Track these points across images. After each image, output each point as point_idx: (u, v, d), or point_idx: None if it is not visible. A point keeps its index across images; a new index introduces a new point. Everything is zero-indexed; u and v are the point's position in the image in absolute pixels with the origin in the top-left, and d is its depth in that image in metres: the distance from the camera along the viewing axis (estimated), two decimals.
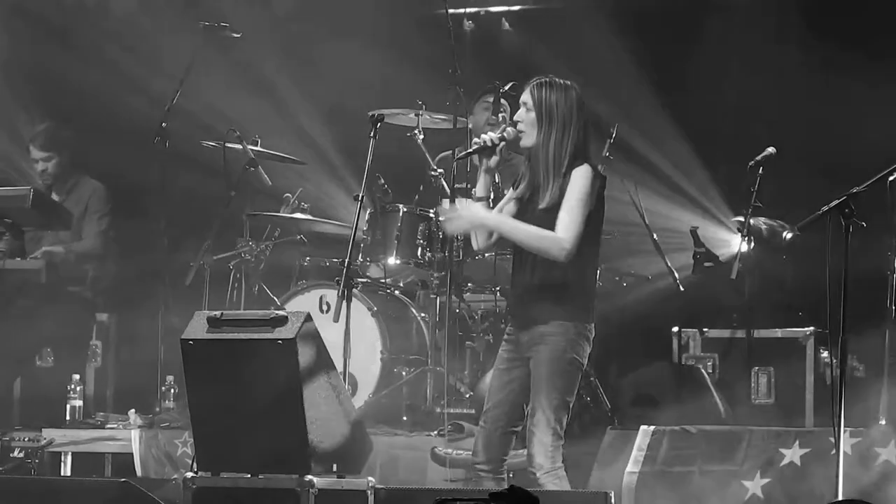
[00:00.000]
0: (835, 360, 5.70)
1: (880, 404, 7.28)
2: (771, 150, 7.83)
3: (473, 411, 7.71)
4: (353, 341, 7.32)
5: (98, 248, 8.77)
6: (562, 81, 6.04)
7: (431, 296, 8.39)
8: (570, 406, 5.97)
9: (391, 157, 8.29)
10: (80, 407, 8.43)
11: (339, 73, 9.80)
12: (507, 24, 8.72)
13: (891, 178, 6.19)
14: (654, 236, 8.43)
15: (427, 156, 8.58)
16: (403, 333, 8.41)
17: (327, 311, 8.02)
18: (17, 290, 8.30)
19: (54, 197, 8.75)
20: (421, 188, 8.65)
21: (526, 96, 6.04)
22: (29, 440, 8.09)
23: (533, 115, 6.00)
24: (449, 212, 6.11)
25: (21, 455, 8.08)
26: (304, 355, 5.89)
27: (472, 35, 9.87)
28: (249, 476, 6.02)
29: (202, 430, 6.07)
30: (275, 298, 8.47)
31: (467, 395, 8.04)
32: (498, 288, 8.22)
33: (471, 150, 6.17)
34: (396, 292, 8.60)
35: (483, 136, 6.09)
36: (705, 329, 8.13)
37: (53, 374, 8.66)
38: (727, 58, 9.31)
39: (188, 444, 7.65)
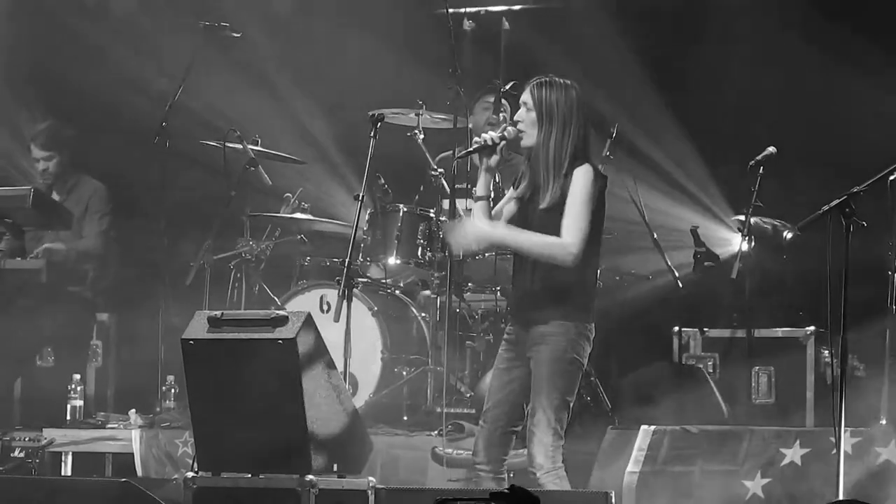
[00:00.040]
0: (835, 360, 5.70)
1: (881, 403, 7.28)
2: (771, 149, 7.84)
3: (474, 411, 7.71)
4: (353, 341, 7.32)
5: (99, 248, 8.77)
6: (562, 81, 6.04)
7: (432, 295, 8.39)
8: (571, 406, 5.96)
9: (391, 157, 8.29)
10: (80, 407, 8.43)
11: (340, 73, 9.80)
12: (507, 23, 8.70)
13: (891, 178, 6.19)
14: (654, 235, 8.43)
15: (427, 155, 8.58)
16: (404, 333, 8.41)
17: (328, 311, 8.02)
18: (17, 289, 8.30)
19: (55, 196, 8.74)
20: (421, 188, 8.65)
21: (526, 96, 6.04)
22: (29, 440, 8.09)
23: (533, 114, 6.00)
24: (453, 230, 6.10)
25: (21, 455, 8.08)
26: (305, 355, 5.89)
27: (472, 34, 9.85)
28: (250, 476, 6.02)
29: (203, 430, 6.07)
30: (275, 298, 8.47)
31: (468, 395, 8.04)
32: (498, 288, 8.22)
33: (471, 149, 6.17)
34: (397, 292, 8.60)
35: (483, 135, 6.08)
36: (706, 328, 8.13)
37: (54, 374, 8.65)
38: (728, 57, 9.30)
39: (189, 444, 7.65)
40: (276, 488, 5.91)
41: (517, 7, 9.97)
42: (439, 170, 8.50)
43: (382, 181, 8.41)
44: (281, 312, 6.06)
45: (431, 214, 8.35)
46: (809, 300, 8.04)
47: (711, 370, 8.04)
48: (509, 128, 6.06)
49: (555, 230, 5.94)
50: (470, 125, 8.44)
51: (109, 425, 8.29)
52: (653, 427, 7.01)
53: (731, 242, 8.38)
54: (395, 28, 9.76)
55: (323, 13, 9.77)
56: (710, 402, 7.65)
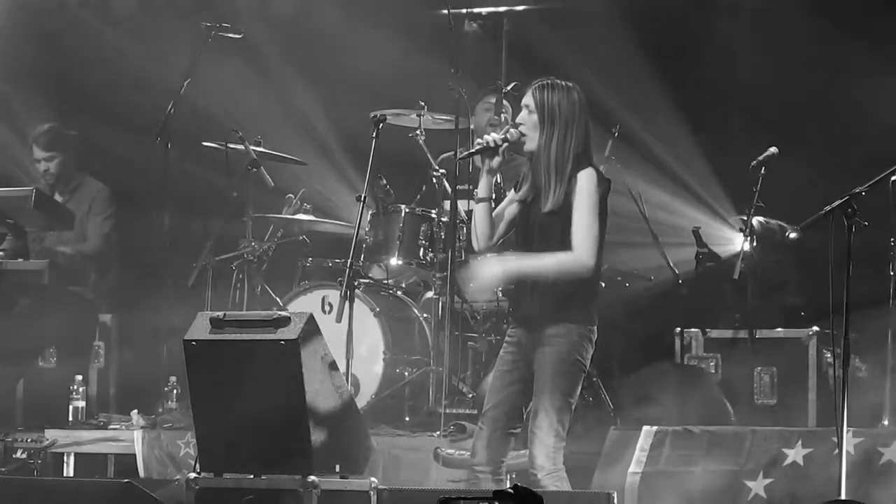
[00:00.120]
0: (837, 360, 5.70)
1: (883, 404, 7.28)
2: (773, 149, 7.83)
3: (476, 412, 7.70)
4: (355, 342, 7.32)
5: (102, 251, 8.76)
6: (564, 83, 6.04)
7: (433, 296, 8.39)
8: (573, 407, 5.97)
9: (393, 158, 8.29)
10: (82, 408, 8.43)
11: (341, 74, 9.80)
12: (508, 24, 8.70)
13: (893, 178, 6.20)
14: (654, 232, 8.43)
15: (429, 156, 8.58)
16: (406, 334, 8.41)
17: (330, 312, 8.01)
18: (19, 290, 8.30)
19: (57, 197, 8.74)
20: (423, 189, 8.65)
21: (528, 99, 6.04)
22: (31, 441, 8.09)
23: (535, 117, 6.00)
24: (467, 279, 6.08)
25: (24, 456, 8.07)
26: (307, 356, 5.89)
27: (473, 35, 9.85)
28: (252, 477, 6.02)
29: (205, 431, 6.08)
30: (277, 299, 8.47)
31: (469, 396, 8.04)
32: (500, 288, 8.22)
33: (473, 150, 6.17)
34: (399, 293, 8.60)
35: (486, 136, 6.09)
36: (708, 329, 8.13)
37: (56, 375, 8.65)
38: (731, 57, 9.30)
39: (191, 445, 7.65)
40: (278, 489, 5.91)
41: (519, 7, 9.97)
42: (441, 170, 8.50)
43: (384, 182, 8.41)
44: (283, 313, 6.06)
45: (433, 215, 8.36)
46: (811, 300, 8.04)
47: (714, 370, 8.03)
48: (511, 130, 6.06)
49: (557, 233, 5.94)
50: (471, 126, 8.44)
51: (111, 426, 8.29)
52: (655, 427, 7.01)
53: (734, 242, 8.37)
54: (396, 29, 9.75)
55: (324, 14, 9.77)
56: (713, 403, 7.64)
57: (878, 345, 7.40)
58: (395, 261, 8.38)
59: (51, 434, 8.11)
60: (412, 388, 8.25)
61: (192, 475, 6.02)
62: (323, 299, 8.26)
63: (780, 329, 7.97)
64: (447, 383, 7.82)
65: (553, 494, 5.70)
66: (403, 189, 8.65)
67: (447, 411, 7.66)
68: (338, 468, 6.00)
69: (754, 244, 7.87)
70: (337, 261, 8.62)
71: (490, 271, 6.01)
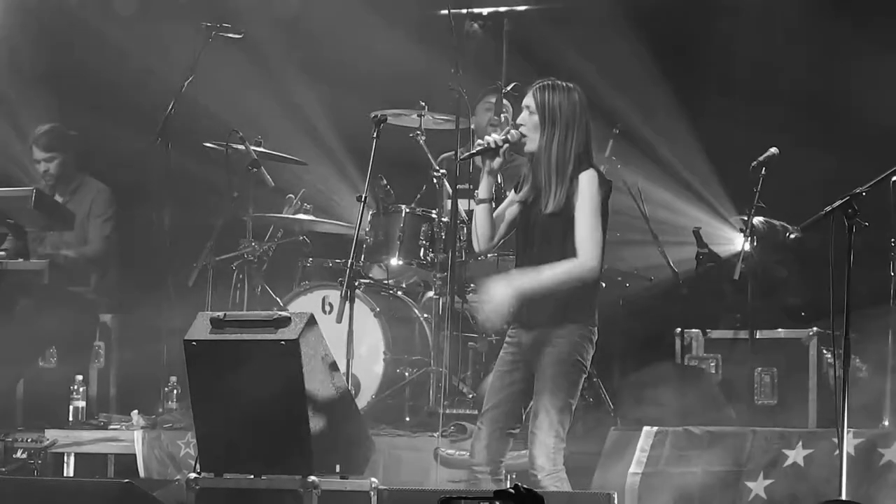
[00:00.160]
0: (838, 361, 5.70)
1: (884, 405, 7.28)
2: (773, 150, 7.83)
3: (476, 412, 7.70)
4: (355, 342, 7.32)
5: (104, 253, 8.75)
6: (564, 84, 6.04)
7: (434, 296, 8.39)
8: (573, 408, 5.97)
9: (394, 158, 8.29)
10: (82, 408, 8.43)
11: (342, 74, 9.79)
12: (509, 24, 8.70)
13: (893, 179, 6.19)
14: (654, 232, 8.44)
15: (429, 156, 8.58)
16: (406, 334, 8.40)
17: (330, 312, 8.01)
18: (20, 290, 8.30)
19: (57, 198, 8.74)
20: (423, 188, 8.65)
21: (529, 100, 6.04)
22: (32, 441, 8.09)
23: (536, 118, 6.00)
24: (481, 309, 6.02)
25: (24, 456, 8.08)
26: (307, 356, 5.89)
27: (474, 35, 9.85)
28: (252, 477, 6.02)
29: (205, 431, 6.08)
30: (277, 299, 8.47)
31: (470, 396, 8.04)
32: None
33: (474, 151, 6.17)
34: (399, 293, 8.60)
35: (486, 137, 6.09)
36: (708, 329, 8.13)
37: (56, 375, 8.65)
38: (732, 56, 9.30)
39: (191, 445, 7.65)
40: (278, 489, 5.92)
41: (520, 7, 9.97)
42: (441, 170, 8.49)
43: (385, 182, 8.41)
44: (283, 313, 6.06)
45: (433, 215, 8.36)
46: (812, 301, 8.03)
47: (714, 371, 8.03)
48: (512, 131, 6.06)
49: (558, 234, 5.94)
50: (472, 126, 8.44)
51: (112, 426, 8.29)
52: (655, 428, 7.01)
53: (734, 242, 8.37)
54: (397, 29, 9.75)
55: (325, 14, 9.77)
56: (712, 403, 7.64)
57: (878, 345, 7.40)
58: (395, 261, 8.38)
59: (51, 434, 8.12)
60: (412, 388, 8.25)
61: (193, 475, 6.02)
62: (323, 299, 8.26)
63: (780, 329, 7.96)
64: (447, 383, 7.82)
65: (553, 495, 5.70)
66: (404, 189, 8.65)
67: (447, 411, 7.65)
68: (338, 468, 6.00)
69: (755, 244, 7.86)
70: (337, 261, 8.63)
71: (500, 294, 5.94)
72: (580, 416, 7.51)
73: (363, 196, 7.46)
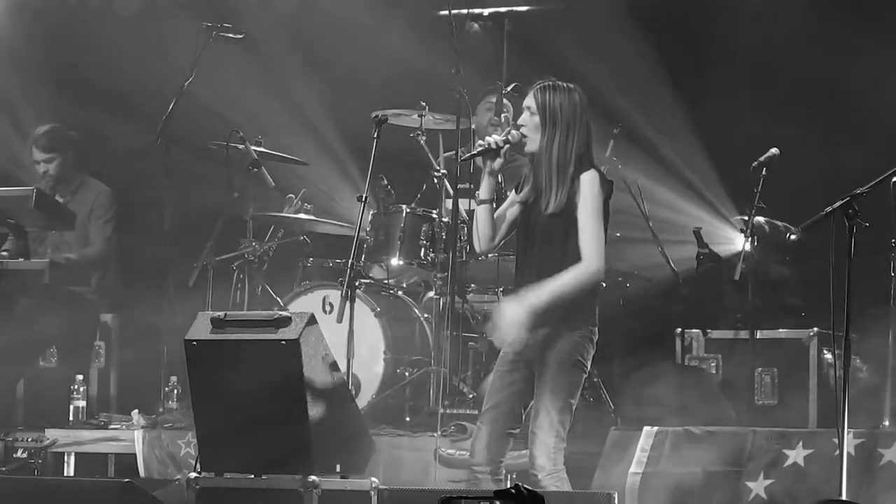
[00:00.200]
0: (838, 361, 5.70)
1: (884, 405, 7.28)
2: (774, 150, 7.83)
3: (476, 412, 7.70)
4: (356, 342, 7.31)
5: (106, 255, 8.74)
6: (565, 85, 6.04)
7: (434, 296, 8.39)
8: (574, 408, 5.97)
9: (394, 158, 8.30)
10: (83, 407, 8.43)
11: (342, 74, 9.80)
12: (510, 24, 8.71)
13: (894, 179, 6.18)
14: (654, 231, 8.44)
15: (430, 156, 8.58)
16: (406, 334, 8.41)
17: (330, 312, 8.01)
18: (20, 290, 8.30)
19: (58, 199, 8.73)
20: (424, 188, 8.65)
21: (529, 100, 6.04)
22: (32, 440, 8.09)
23: (537, 118, 6.00)
24: (495, 331, 5.98)
25: (24, 455, 8.07)
26: (308, 356, 5.90)
27: (475, 36, 9.86)
28: (253, 476, 6.02)
29: (205, 431, 6.08)
30: (278, 299, 8.47)
31: (470, 396, 8.04)
32: (501, 289, 8.23)
33: (474, 152, 6.17)
34: (399, 293, 8.60)
35: (487, 138, 6.08)
36: (708, 330, 8.13)
37: (57, 375, 8.65)
38: (733, 56, 9.30)
39: (191, 445, 7.65)
40: (278, 489, 5.92)
41: (521, 8, 9.97)
42: (442, 170, 8.49)
43: (385, 182, 8.41)
44: (284, 313, 6.06)
45: (434, 215, 8.36)
46: (812, 301, 8.04)
47: (714, 371, 8.03)
48: (513, 131, 6.05)
49: (559, 235, 5.94)
50: (472, 126, 8.44)
51: (112, 426, 8.29)
52: (655, 428, 7.01)
53: (735, 242, 8.37)
54: (397, 29, 9.75)
55: (325, 14, 9.77)
56: (713, 403, 7.64)
57: (878, 346, 7.40)
58: (395, 261, 8.38)
59: (51, 434, 8.12)
60: (413, 388, 8.24)
61: (193, 475, 6.02)
62: (324, 299, 8.26)
63: (780, 330, 7.96)
64: (448, 383, 7.82)
65: (553, 495, 5.70)
66: (405, 189, 8.65)
67: (448, 411, 7.65)
68: (338, 468, 6.00)
69: (755, 245, 7.87)
70: (338, 261, 8.63)
71: (513, 315, 5.91)
72: (580, 416, 7.49)
73: (364, 196, 7.47)
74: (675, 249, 8.59)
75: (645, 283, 8.78)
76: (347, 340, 7.23)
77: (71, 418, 8.37)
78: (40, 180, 8.80)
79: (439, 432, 7.36)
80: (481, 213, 6.11)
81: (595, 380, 7.90)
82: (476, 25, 9.94)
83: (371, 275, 8.57)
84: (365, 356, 7.94)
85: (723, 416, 7.60)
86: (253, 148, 8.55)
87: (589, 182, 5.93)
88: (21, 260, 8.24)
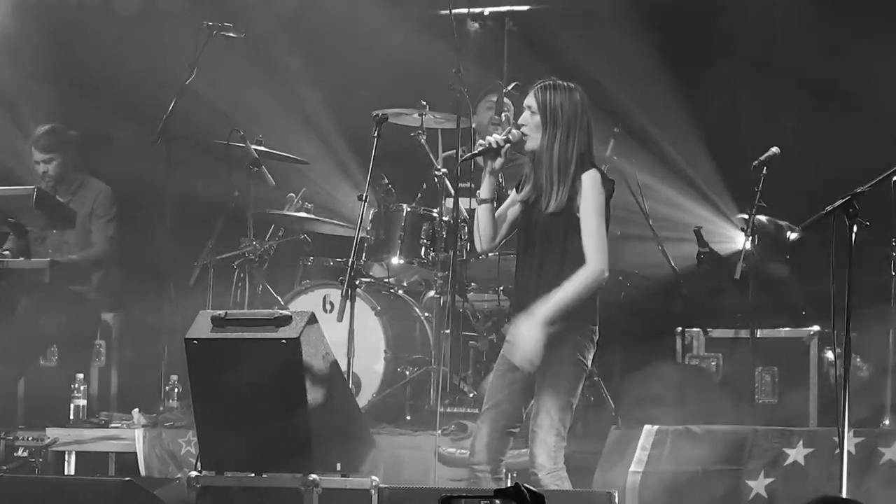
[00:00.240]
0: (839, 360, 5.70)
1: (884, 403, 7.28)
2: (774, 149, 7.83)
3: (477, 411, 7.70)
4: (356, 341, 7.31)
5: (108, 255, 8.73)
6: (566, 84, 6.04)
7: (435, 295, 8.39)
8: (574, 407, 5.97)
9: (395, 157, 8.30)
10: (83, 406, 8.43)
11: (343, 73, 9.80)
12: (511, 24, 8.71)
13: (895, 178, 6.18)
14: (653, 228, 8.44)
15: (430, 155, 8.58)
16: (407, 333, 8.41)
17: (331, 311, 8.01)
18: (21, 289, 8.30)
19: (58, 199, 8.72)
20: (424, 187, 8.65)
21: (530, 100, 6.03)
22: (33, 439, 8.09)
23: (538, 118, 5.99)
24: (515, 352, 5.95)
25: (25, 454, 8.08)
26: (308, 355, 5.90)
27: (475, 35, 9.85)
28: (253, 475, 6.02)
29: (206, 430, 6.08)
30: (278, 298, 8.47)
31: (471, 395, 8.04)
32: (501, 288, 8.23)
33: (475, 152, 6.17)
34: (400, 292, 8.60)
35: (488, 137, 6.09)
36: (709, 329, 8.13)
37: (57, 374, 8.65)
38: (735, 55, 9.30)
39: (192, 444, 7.65)
40: (279, 487, 5.92)
41: (522, 8, 9.97)
42: (443, 169, 8.50)
43: (386, 181, 8.41)
44: (284, 312, 6.06)
45: (434, 214, 8.36)
46: (813, 300, 8.04)
47: (715, 370, 8.03)
48: (513, 130, 6.06)
49: (560, 234, 5.94)
50: (473, 125, 8.44)
51: (113, 425, 8.29)
52: (656, 427, 7.01)
53: (735, 240, 8.38)
54: (398, 28, 9.75)
55: (325, 13, 9.77)
56: (713, 402, 7.64)
57: (879, 344, 7.40)
58: (396, 260, 8.38)
59: (52, 432, 8.12)
60: (413, 387, 8.25)
61: (194, 474, 6.02)
62: (324, 298, 8.26)
63: (781, 329, 7.97)
64: (448, 382, 7.82)
65: (554, 493, 5.70)
66: (405, 188, 8.65)
67: (448, 410, 7.66)
68: (339, 467, 6.00)
69: (756, 244, 7.87)
70: (338, 260, 8.63)
71: (529, 333, 5.87)
72: (581, 415, 7.52)
73: (364, 195, 7.47)
74: (676, 247, 8.60)
75: (645, 282, 8.78)
76: (348, 339, 7.23)
77: (71, 417, 8.37)
78: (40, 181, 8.80)
79: (440, 431, 7.36)
80: (482, 212, 6.11)
81: (595, 379, 7.90)
82: (476, 24, 9.94)
83: (371, 274, 8.57)
84: (365, 355, 7.93)
85: (723, 415, 7.59)
86: (253, 147, 8.55)
87: (590, 182, 5.93)
88: (22, 259, 8.23)
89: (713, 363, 8.06)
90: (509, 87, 8.52)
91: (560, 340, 5.91)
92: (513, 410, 6.01)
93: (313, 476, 5.82)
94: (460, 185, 8.01)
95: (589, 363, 6.00)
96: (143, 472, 7.82)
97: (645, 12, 9.34)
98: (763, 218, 8.07)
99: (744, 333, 8.02)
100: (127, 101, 9.60)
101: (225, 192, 8.57)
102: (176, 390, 8.42)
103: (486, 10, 9.80)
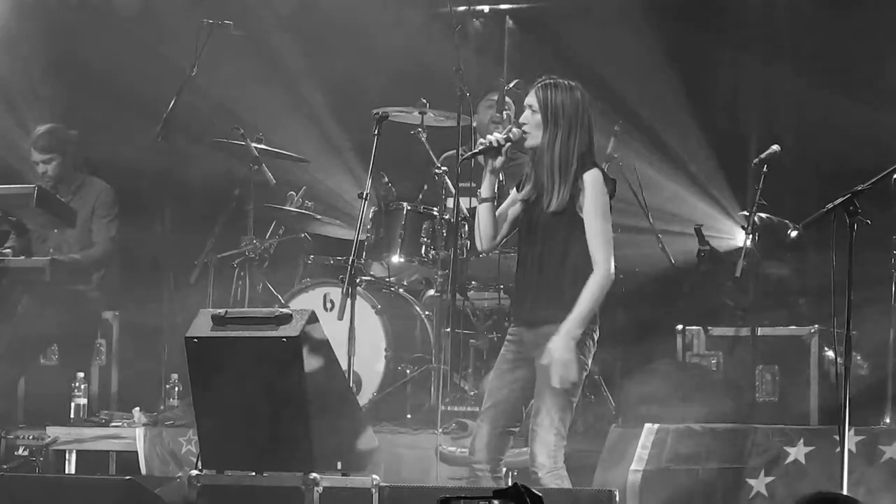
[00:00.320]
0: (839, 358, 5.70)
1: (885, 402, 7.28)
2: (775, 147, 7.83)
3: (477, 409, 7.70)
4: (357, 339, 7.32)
5: (110, 254, 8.72)
6: (566, 82, 6.02)
7: (435, 294, 8.39)
8: (574, 406, 5.96)
9: (395, 155, 8.29)
10: (84, 405, 8.43)
11: (343, 72, 9.80)
12: (511, 21, 8.72)
13: (895, 176, 6.18)
14: (652, 222, 8.44)
15: (431, 154, 8.57)
16: (407, 331, 8.41)
17: (331, 310, 8.01)
18: (21, 288, 8.30)
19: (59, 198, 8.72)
20: (425, 187, 8.65)
21: (531, 98, 6.02)
22: (33, 438, 8.09)
23: (539, 117, 5.98)
24: (553, 372, 5.92)
25: (25, 453, 8.08)
26: (309, 353, 5.89)
27: (476, 33, 9.86)
28: (254, 474, 6.02)
29: (206, 428, 6.08)
30: (279, 296, 8.48)
31: (471, 394, 8.04)
32: (502, 286, 8.22)
33: (476, 151, 6.16)
34: (400, 290, 8.60)
35: (489, 136, 6.08)
36: (709, 327, 8.13)
37: (58, 373, 8.65)
38: (738, 51, 9.30)
39: (192, 442, 7.65)
40: (279, 486, 5.92)
41: (522, 6, 9.97)
42: (443, 168, 8.49)
43: (386, 179, 8.41)
44: (285, 310, 6.06)
45: (435, 213, 8.36)
46: (813, 298, 8.04)
47: (715, 368, 8.03)
48: (514, 129, 6.04)
49: (561, 233, 5.94)
50: (474, 123, 8.44)
51: (113, 423, 8.29)
52: (656, 425, 7.01)
53: (736, 237, 8.38)
54: (399, 26, 9.76)
55: (326, 11, 9.77)
56: (714, 401, 7.64)
57: (879, 342, 7.40)
58: (396, 258, 8.38)
59: (52, 431, 8.12)
60: (414, 385, 8.24)
61: (194, 472, 6.02)
62: (325, 297, 8.26)
63: (781, 327, 7.97)
64: (449, 381, 7.82)
65: (554, 492, 5.69)
66: (406, 186, 8.65)
67: (449, 409, 7.65)
68: (339, 465, 6.00)
69: (756, 241, 7.87)
70: (339, 258, 8.63)
71: (563, 354, 5.84)
72: (581, 413, 7.52)
73: (365, 193, 7.46)
74: (677, 241, 8.59)
75: (645, 280, 8.77)
76: (348, 338, 7.24)
77: (72, 416, 8.36)
78: (41, 181, 8.79)
79: (440, 430, 7.36)
80: (483, 211, 6.11)
81: (596, 377, 7.90)
82: (477, 22, 9.94)
83: (372, 272, 8.57)
84: (366, 354, 7.93)
85: (724, 413, 7.59)
86: (254, 145, 8.55)
87: (592, 182, 5.92)
88: (23, 258, 8.24)
89: (714, 361, 8.05)
90: (510, 85, 8.51)
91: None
92: (513, 409, 6.00)
93: (314, 475, 5.81)
94: (461, 184, 8.01)
95: (589, 362, 5.99)
96: (143, 470, 7.82)
97: (648, 8, 9.33)
98: (763, 215, 8.06)
99: (744, 332, 8.01)
100: (127, 100, 9.60)
101: (225, 190, 8.56)
102: (176, 389, 8.42)
103: (486, 8, 9.81)
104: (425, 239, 8.33)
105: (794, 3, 9.26)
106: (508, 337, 6.10)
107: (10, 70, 9.98)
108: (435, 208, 8.38)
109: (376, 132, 7.39)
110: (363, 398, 7.94)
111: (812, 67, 9.02)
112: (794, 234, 8.11)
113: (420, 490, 6.05)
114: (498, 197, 6.20)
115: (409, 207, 8.36)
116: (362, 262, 8.29)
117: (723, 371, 8.00)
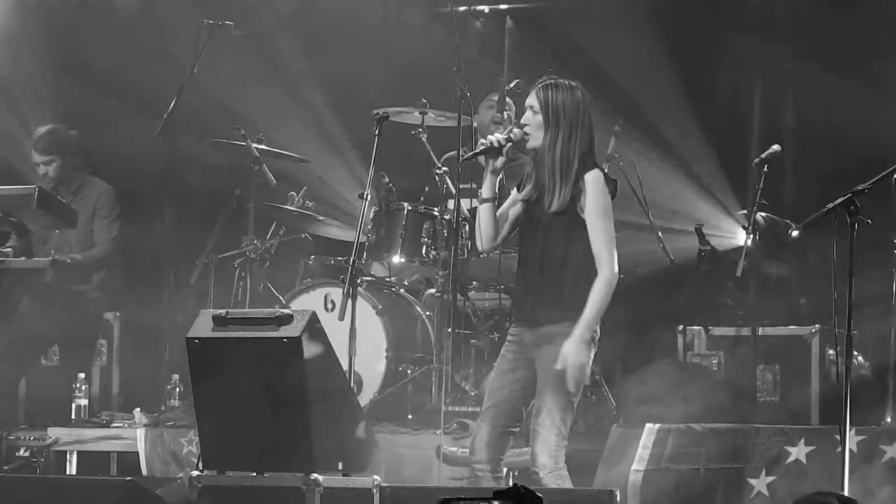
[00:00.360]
0: (840, 358, 5.70)
1: (886, 401, 7.28)
2: (776, 147, 7.83)
3: (478, 409, 7.70)
4: (358, 340, 7.32)
5: (111, 255, 8.71)
6: (567, 83, 6.02)
7: (436, 294, 8.39)
8: (575, 406, 5.96)
9: (396, 156, 8.29)
10: (85, 406, 8.42)
11: (344, 72, 9.80)
12: (511, 21, 8.71)
13: None
14: (651, 220, 8.44)
15: (432, 154, 8.57)
16: (408, 332, 8.41)
17: (332, 310, 8.01)
18: (22, 288, 8.30)
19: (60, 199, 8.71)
20: (426, 188, 8.65)
21: (532, 99, 6.02)
22: (34, 439, 8.09)
23: (539, 117, 5.98)
24: (572, 378, 5.92)
25: (26, 454, 8.08)
26: (309, 353, 5.90)
27: (476, 33, 9.86)
28: (255, 474, 6.02)
29: (207, 429, 6.08)
30: (279, 297, 8.48)
31: (472, 394, 8.04)
32: (502, 286, 8.22)
33: (477, 151, 6.16)
34: (401, 290, 8.60)
35: (489, 137, 6.07)
36: (710, 327, 8.13)
37: (59, 373, 8.65)
38: (739, 51, 9.30)
39: (193, 443, 7.65)
40: (280, 487, 5.92)
41: (522, 5, 9.96)
42: (444, 168, 8.49)
43: (387, 179, 8.41)
44: (285, 311, 6.06)
45: (436, 213, 8.36)
46: (814, 298, 8.04)
47: (716, 368, 8.03)
48: (515, 130, 6.04)
49: (562, 233, 5.94)
50: (474, 123, 8.43)
51: (114, 424, 8.29)
52: (657, 425, 7.00)
53: (737, 236, 8.38)
54: (399, 26, 9.76)
55: (326, 11, 9.77)
56: (715, 401, 7.64)
57: (880, 342, 7.40)
58: (397, 258, 8.38)
59: (53, 432, 8.12)
60: (414, 385, 8.25)
61: (195, 473, 6.02)
62: (325, 297, 8.26)
63: (782, 326, 7.97)
64: (450, 381, 7.82)
65: (555, 492, 5.69)
66: (406, 187, 8.65)
67: (449, 409, 7.65)
68: (340, 466, 6.00)
69: (757, 241, 7.87)
70: (339, 259, 8.63)
71: (576, 358, 5.85)
72: (582, 413, 7.51)
73: (365, 193, 7.46)
74: (677, 239, 8.59)
75: (646, 280, 8.77)
76: (349, 338, 7.24)
77: (73, 417, 8.37)
78: (40, 182, 8.78)
79: (441, 430, 7.36)
80: (484, 211, 6.10)
81: (597, 377, 7.89)
82: (478, 22, 9.94)
83: (373, 272, 8.57)
84: (367, 354, 7.93)
85: (725, 413, 7.59)
86: (254, 145, 8.55)
87: (593, 183, 5.92)
88: (23, 258, 8.23)
89: (715, 361, 8.06)
90: (511, 86, 8.51)
91: (560, 339, 5.90)
92: (513, 410, 6.00)
93: (315, 475, 5.81)
94: (462, 184, 8.01)
95: (590, 362, 5.99)
96: (144, 471, 7.82)
97: (649, 8, 9.33)
98: (764, 215, 8.07)
99: (745, 331, 8.02)
100: (127, 100, 9.60)
101: (226, 190, 8.56)
102: (177, 389, 8.42)
103: (487, 8, 9.80)
104: (426, 239, 8.33)
105: (794, 3, 9.26)
106: (509, 337, 6.10)
107: (11, 70, 9.98)
108: (436, 208, 8.38)
109: (377, 132, 7.39)
110: (364, 398, 7.94)
111: (812, 67, 9.02)
112: (794, 233, 8.11)
113: (421, 490, 6.04)
114: (499, 197, 6.20)
115: (409, 208, 8.36)
116: (363, 262, 8.29)
117: (724, 371, 8.01)
